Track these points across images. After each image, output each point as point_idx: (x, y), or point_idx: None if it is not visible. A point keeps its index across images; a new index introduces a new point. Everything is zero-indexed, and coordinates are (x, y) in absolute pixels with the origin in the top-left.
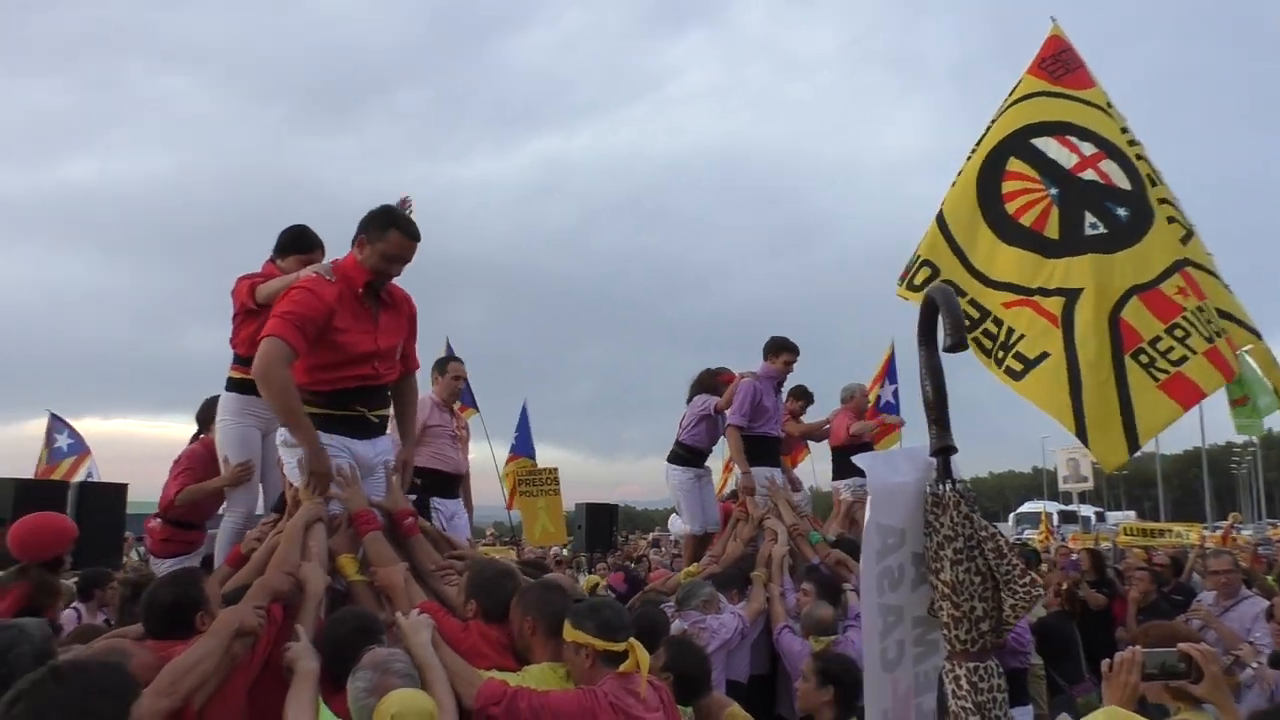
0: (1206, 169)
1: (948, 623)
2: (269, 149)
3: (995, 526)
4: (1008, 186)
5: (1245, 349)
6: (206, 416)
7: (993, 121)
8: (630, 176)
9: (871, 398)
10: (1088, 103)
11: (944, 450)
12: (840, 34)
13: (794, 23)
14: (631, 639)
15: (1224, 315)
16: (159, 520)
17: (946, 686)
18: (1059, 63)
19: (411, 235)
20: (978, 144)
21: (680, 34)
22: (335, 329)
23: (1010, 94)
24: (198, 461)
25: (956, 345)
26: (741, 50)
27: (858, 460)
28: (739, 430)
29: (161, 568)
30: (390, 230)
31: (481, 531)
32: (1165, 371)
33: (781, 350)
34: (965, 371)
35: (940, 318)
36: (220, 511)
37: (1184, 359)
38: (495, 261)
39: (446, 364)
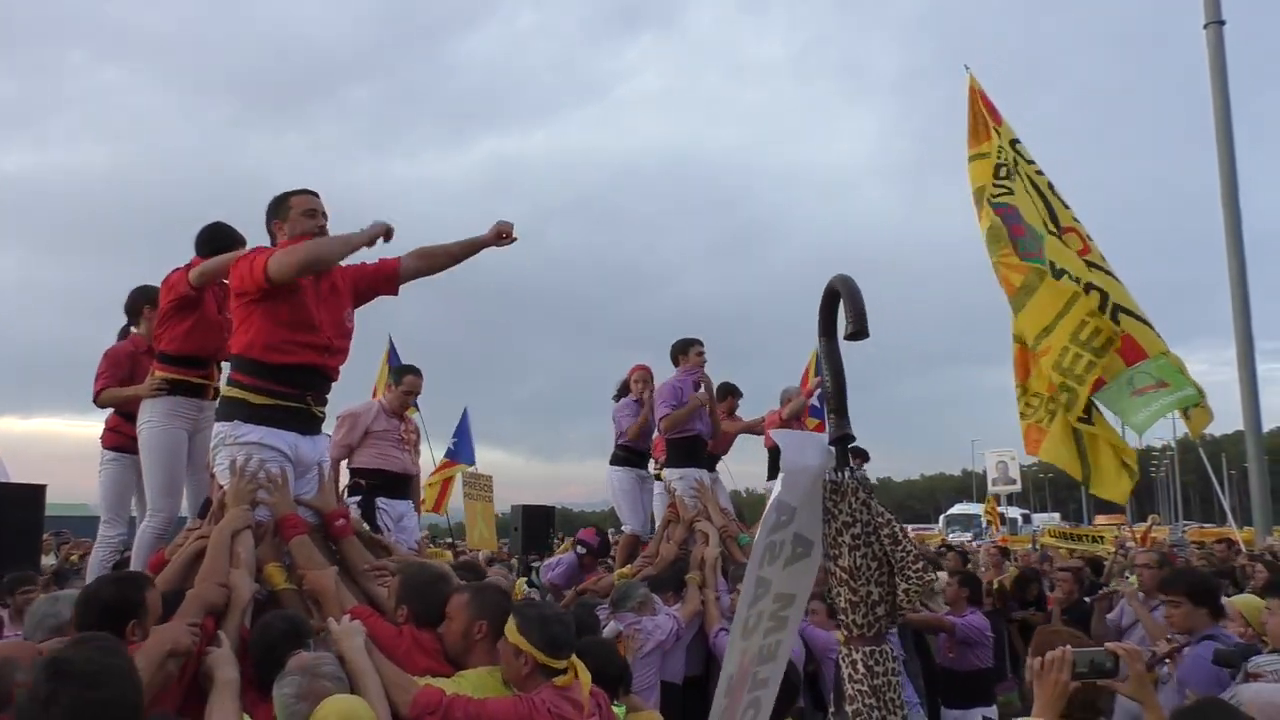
0: (1145, 180)
1: (845, 607)
2: (213, 144)
3: (890, 515)
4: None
5: (1161, 354)
6: (135, 308)
7: (1012, 144)
8: (582, 177)
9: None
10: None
11: (843, 439)
12: (790, 42)
13: (745, 30)
14: (574, 658)
15: (1144, 321)
16: (112, 411)
17: (844, 670)
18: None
19: (310, 192)
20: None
21: (632, 37)
22: (297, 285)
23: (1002, 130)
24: (122, 362)
25: (858, 333)
26: (693, 55)
27: (775, 435)
28: (671, 420)
29: (105, 459)
30: (290, 199)
31: None
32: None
33: (689, 347)
34: (907, 375)
35: (842, 306)
36: (133, 511)
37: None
38: None
39: (404, 375)
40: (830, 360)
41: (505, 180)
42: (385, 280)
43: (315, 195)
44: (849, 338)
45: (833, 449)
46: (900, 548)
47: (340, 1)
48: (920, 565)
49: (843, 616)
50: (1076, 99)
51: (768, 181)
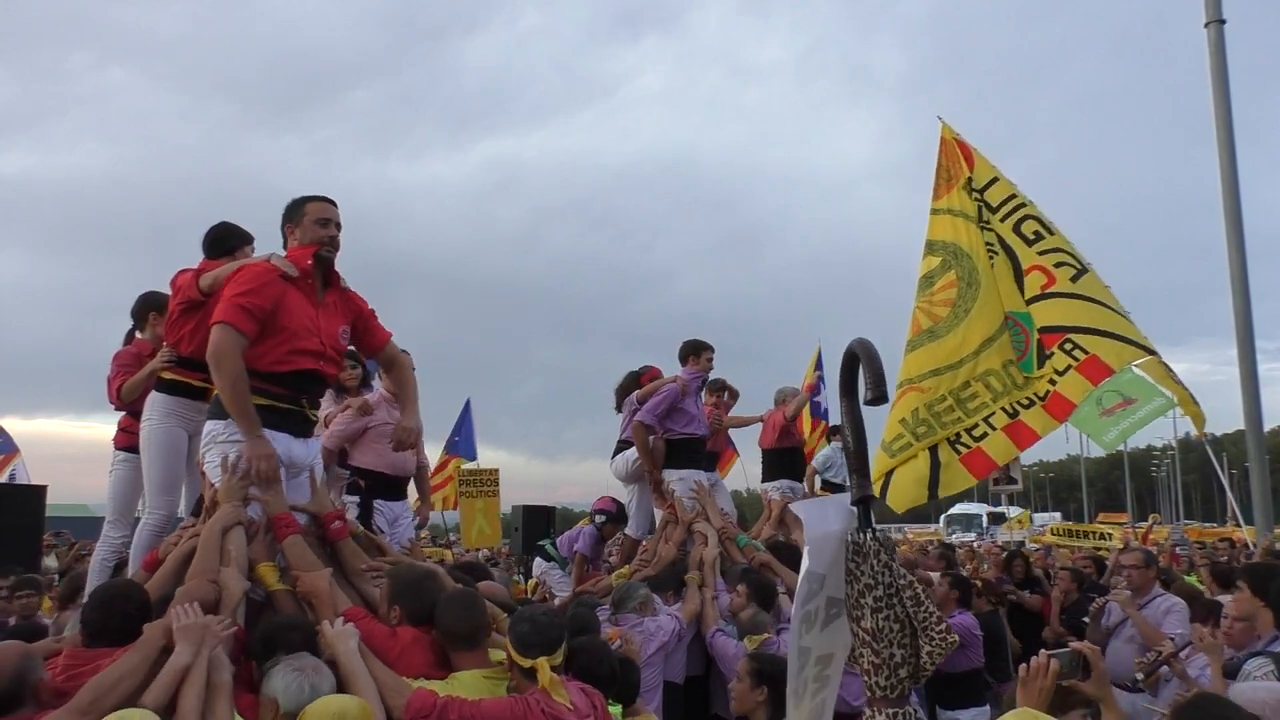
0: (1146, 181)
1: (868, 669)
2: (216, 145)
3: (912, 575)
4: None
5: (1137, 363)
6: (140, 313)
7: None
8: (583, 178)
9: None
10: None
11: (864, 500)
12: (792, 44)
13: (747, 32)
14: (541, 659)
15: (1111, 335)
16: (125, 412)
17: None
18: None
19: (328, 200)
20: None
21: (635, 39)
22: (284, 309)
23: (975, 175)
24: (130, 364)
25: (877, 399)
26: (695, 57)
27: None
28: (647, 429)
29: (116, 459)
30: (305, 205)
31: None
32: (967, 446)
33: (703, 349)
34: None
35: (861, 370)
36: (138, 513)
37: (984, 435)
38: (445, 261)
39: None
40: (851, 420)
41: (506, 181)
42: (369, 344)
43: (332, 204)
44: (869, 403)
45: (855, 510)
46: (923, 609)
47: (343, 5)
48: (943, 627)
49: (866, 679)
50: (1078, 98)
51: (768, 182)
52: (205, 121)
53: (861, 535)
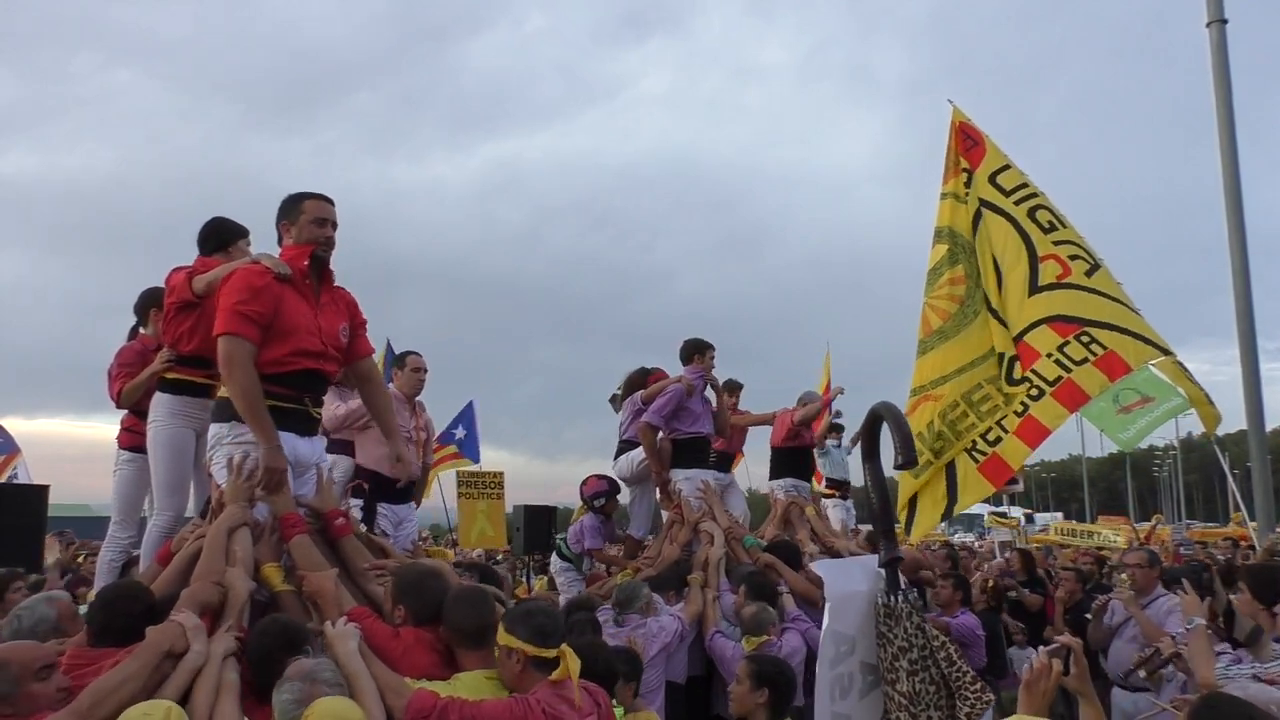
0: (1147, 181)
1: None
2: (217, 146)
3: (945, 636)
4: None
5: (1153, 363)
6: (142, 309)
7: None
8: (585, 179)
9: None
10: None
11: (893, 562)
12: (795, 46)
13: (751, 34)
14: (564, 646)
15: (1128, 333)
16: (128, 411)
17: None
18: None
19: (325, 198)
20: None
21: (638, 41)
22: (283, 311)
23: (978, 173)
24: (132, 361)
25: (907, 463)
26: (699, 59)
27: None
28: (654, 430)
29: (120, 459)
30: (303, 202)
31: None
32: (984, 453)
33: (705, 348)
34: (907, 375)
35: (890, 434)
36: (144, 513)
37: (999, 440)
38: (446, 262)
39: (405, 357)
40: (875, 484)
41: (508, 182)
42: (352, 352)
43: (329, 203)
44: (899, 467)
45: (883, 571)
46: (956, 668)
47: (347, 6)
48: (978, 686)
49: None
50: (1078, 98)
51: (769, 183)
52: (207, 122)
53: (892, 598)
